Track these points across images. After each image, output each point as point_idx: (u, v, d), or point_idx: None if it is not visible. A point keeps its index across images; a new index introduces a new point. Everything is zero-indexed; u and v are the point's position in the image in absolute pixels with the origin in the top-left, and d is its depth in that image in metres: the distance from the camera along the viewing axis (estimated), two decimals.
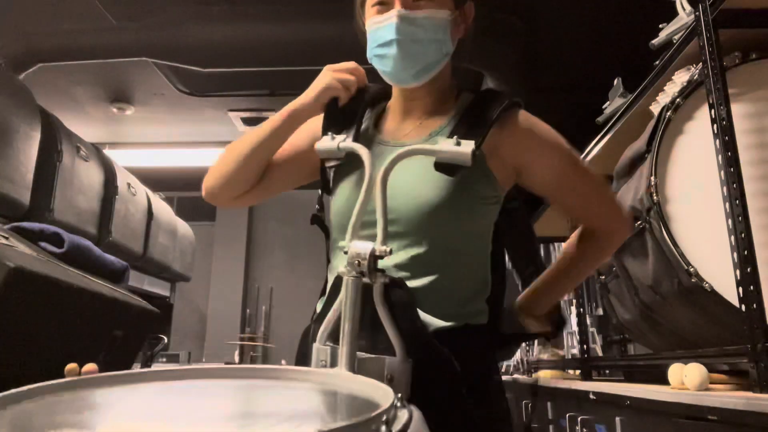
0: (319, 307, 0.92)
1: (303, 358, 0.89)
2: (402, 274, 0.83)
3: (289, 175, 1.03)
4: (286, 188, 1.05)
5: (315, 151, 0.89)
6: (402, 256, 0.84)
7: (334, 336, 0.75)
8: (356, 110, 0.93)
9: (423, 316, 0.80)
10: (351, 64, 0.94)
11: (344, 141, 0.85)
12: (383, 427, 0.38)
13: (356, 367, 0.70)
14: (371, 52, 0.90)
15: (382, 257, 0.72)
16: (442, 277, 0.85)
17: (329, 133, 0.88)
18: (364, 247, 0.72)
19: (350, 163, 0.87)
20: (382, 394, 0.49)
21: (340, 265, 0.80)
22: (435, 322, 0.82)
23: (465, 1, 0.94)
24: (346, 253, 0.72)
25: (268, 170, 1.00)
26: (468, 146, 0.80)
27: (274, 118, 0.95)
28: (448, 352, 0.77)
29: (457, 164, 0.81)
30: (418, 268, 0.84)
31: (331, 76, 0.92)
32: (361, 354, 0.72)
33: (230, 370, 0.69)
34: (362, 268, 0.71)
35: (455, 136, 0.81)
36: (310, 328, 0.88)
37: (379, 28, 0.87)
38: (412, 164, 0.82)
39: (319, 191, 0.99)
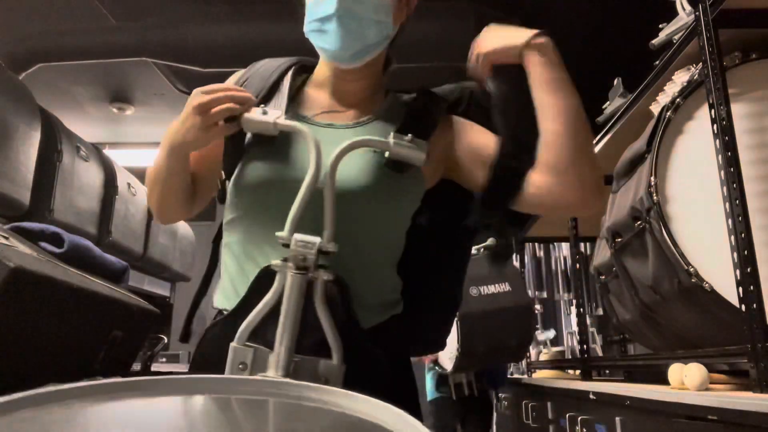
0: (224, 303, 0.84)
1: (206, 359, 0.79)
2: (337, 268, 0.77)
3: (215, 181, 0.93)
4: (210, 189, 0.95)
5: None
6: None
7: (254, 336, 0.70)
8: (277, 77, 0.88)
9: (361, 313, 0.78)
10: (220, 87, 0.79)
11: (280, 118, 0.78)
12: None
13: (290, 369, 0.66)
14: (309, 26, 0.84)
15: (328, 253, 0.69)
16: (373, 269, 0.83)
17: (261, 106, 0.79)
18: (311, 241, 0.67)
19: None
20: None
21: (267, 255, 0.77)
22: (370, 318, 0.80)
23: None
24: (286, 245, 0.68)
25: (195, 185, 0.93)
26: (423, 147, 0.80)
27: (160, 156, 0.86)
28: (380, 353, 0.77)
29: (408, 163, 0.80)
30: (350, 265, 0.78)
31: (195, 120, 0.78)
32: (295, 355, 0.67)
33: (234, 383, 0.58)
34: (307, 263, 0.67)
35: (410, 135, 0.79)
36: (215, 326, 0.81)
37: (320, 2, 0.81)
38: (352, 154, 0.77)
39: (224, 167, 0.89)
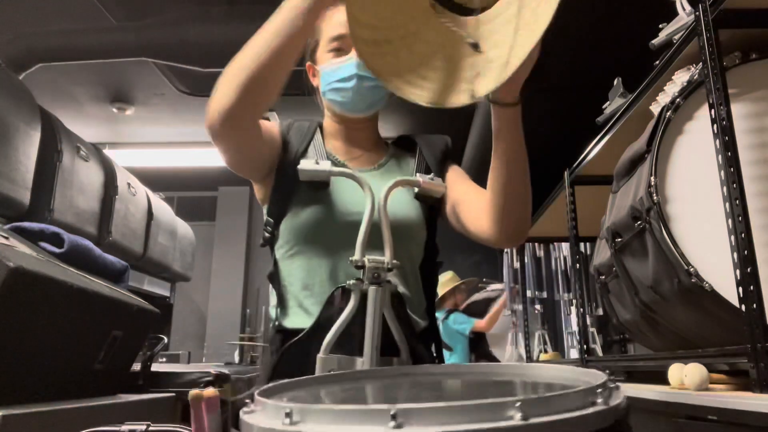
0: (297, 323, 0.94)
1: (287, 372, 0.86)
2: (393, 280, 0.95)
3: (261, 148, 0.98)
4: (252, 156, 0.99)
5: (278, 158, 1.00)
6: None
7: (336, 347, 0.83)
8: (311, 135, 1.06)
9: (414, 317, 0.96)
10: None
11: (331, 167, 0.94)
12: (600, 399, 0.44)
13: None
14: (329, 86, 1.02)
15: (392, 269, 0.85)
16: (414, 284, 1.01)
17: (314, 159, 0.97)
18: (381, 260, 0.84)
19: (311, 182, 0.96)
20: (593, 375, 0.56)
21: (331, 279, 0.94)
22: (418, 323, 0.97)
23: None
24: (359, 266, 0.83)
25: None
26: (442, 185, 1.03)
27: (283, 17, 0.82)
28: (431, 353, 0.99)
29: (430, 195, 1.02)
30: (401, 276, 0.98)
31: None
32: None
33: (431, 368, 0.75)
34: (381, 279, 0.82)
35: (431, 174, 1.03)
36: (295, 343, 0.91)
37: (341, 67, 1.00)
38: (396, 193, 0.97)
39: (268, 210, 1.03)
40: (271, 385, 0.60)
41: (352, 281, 0.83)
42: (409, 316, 0.93)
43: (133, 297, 1.65)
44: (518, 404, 0.39)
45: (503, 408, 0.39)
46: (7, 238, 1.29)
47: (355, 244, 0.85)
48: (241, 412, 0.50)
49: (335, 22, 1.00)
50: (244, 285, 6.07)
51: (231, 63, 0.83)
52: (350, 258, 0.84)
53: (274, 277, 1.01)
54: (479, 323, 4.28)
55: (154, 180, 3.59)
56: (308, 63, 1.09)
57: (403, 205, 1.01)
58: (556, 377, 0.64)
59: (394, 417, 0.39)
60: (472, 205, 0.99)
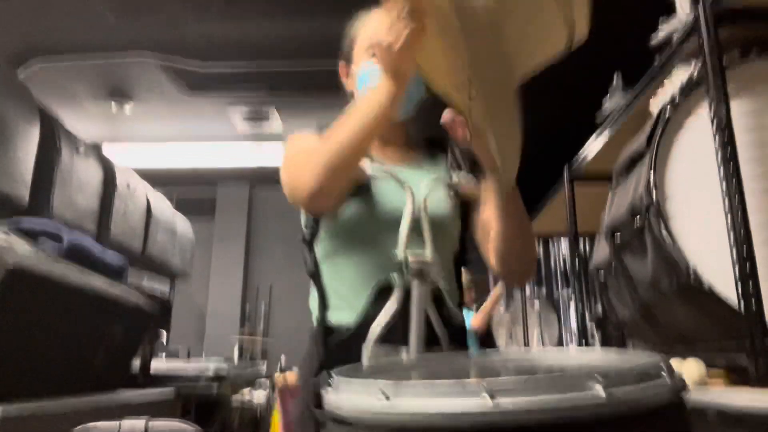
0: (342, 318, 0.97)
1: (336, 365, 0.91)
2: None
3: None
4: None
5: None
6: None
7: (383, 340, 0.86)
8: None
9: (454, 309, 0.99)
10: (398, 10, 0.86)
11: (370, 166, 0.99)
12: (665, 375, 0.47)
13: None
14: (367, 89, 1.02)
15: (434, 265, 0.88)
16: (450, 278, 1.03)
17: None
18: (423, 256, 0.87)
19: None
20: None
21: (374, 274, 0.95)
22: (457, 316, 1.00)
23: None
24: (402, 262, 0.86)
25: None
26: (478, 186, 1.04)
27: (367, 112, 0.92)
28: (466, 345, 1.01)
29: (467, 195, 1.04)
30: (440, 273, 0.99)
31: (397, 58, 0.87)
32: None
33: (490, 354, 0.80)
34: (423, 274, 0.85)
35: (464, 172, 1.06)
36: (343, 337, 0.95)
37: (374, 72, 0.99)
38: (434, 191, 1.00)
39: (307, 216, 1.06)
40: (343, 368, 0.63)
41: (395, 276, 0.88)
42: (448, 310, 0.97)
43: (132, 294, 1.65)
44: (599, 378, 0.42)
45: (586, 380, 0.42)
46: (6, 235, 1.29)
47: (397, 241, 0.88)
48: (322, 392, 0.53)
49: (371, 28, 1.04)
50: (243, 282, 6.07)
51: (318, 151, 0.93)
52: (392, 254, 0.87)
53: (315, 275, 1.04)
54: (473, 320, 4.29)
55: (153, 177, 3.58)
56: (342, 63, 1.10)
57: (440, 202, 1.03)
58: (602, 360, 0.67)
59: (486, 390, 0.41)
60: (489, 236, 1.02)
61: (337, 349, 0.94)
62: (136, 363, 1.82)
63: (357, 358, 0.86)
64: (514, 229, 0.96)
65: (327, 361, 0.93)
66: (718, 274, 1.29)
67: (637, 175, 1.59)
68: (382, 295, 0.91)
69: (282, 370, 3.32)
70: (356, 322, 0.93)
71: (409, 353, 0.84)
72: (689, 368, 1.24)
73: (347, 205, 1.00)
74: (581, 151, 2.36)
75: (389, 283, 0.90)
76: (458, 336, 0.97)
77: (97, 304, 1.40)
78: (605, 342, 3.44)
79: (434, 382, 0.44)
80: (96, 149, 2.38)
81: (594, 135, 2.23)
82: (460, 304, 1.06)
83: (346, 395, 0.50)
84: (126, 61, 3.59)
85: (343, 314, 0.97)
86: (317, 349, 0.97)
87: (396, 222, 0.90)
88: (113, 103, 4.50)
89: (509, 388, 0.41)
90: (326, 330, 0.98)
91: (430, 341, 0.88)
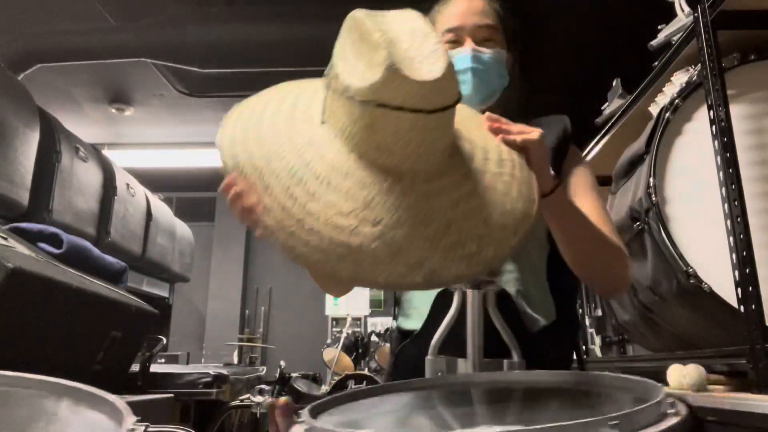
0: (410, 325, 0.97)
1: (402, 373, 0.91)
2: (506, 277, 0.92)
3: None
4: None
5: None
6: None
7: (443, 348, 0.82)
8: None
9: (531, 314, 0.92)
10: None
11: None
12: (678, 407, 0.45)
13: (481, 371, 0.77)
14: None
15: (493, 271, 0.83)
16: (534, 279, 0.95)
17: None
18: None
19: None
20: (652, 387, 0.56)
21: None
22: (536, 322, 0.92)
23: (514, 45, 1.08)
24: None
25: None
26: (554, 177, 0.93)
27: None
28: (549, 352, 0.88)
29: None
30: (519, 272, 0.93)
31: None
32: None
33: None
34: (478, 281, 0.80)
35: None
36: (408, 345, 0.95)
37: (456, 59, 0.96)
38: None
39: None
40: (323, 400, 0.63)
41: (455, 285, 0.82)
42: (524, 315, 0.91)
43: (131, 298, 1.64)
44: (613, 422, 0.39)
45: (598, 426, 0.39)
46: (6, 238, 1.29)
47: None
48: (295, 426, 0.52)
49: (449, 13, 1.01)
50: (243, 286, 6.07)
51: None
52: None
53: None
54: None
55: (153, 180, 3.58)
56: None
57: None
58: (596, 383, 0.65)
59: None
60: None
61: (407, 357, 0.95)
62: (136, 367, 1.82)
63: (423, 364, 0.83)
64: (575, 241, 0.86)
65: (399, 368, 0.96)
66: (718, 278, 1.29)
67: (637, 179, 1.59)
68: (445, 301, 0.86)
69: (280, 381, 3.29)
70: (421, 330, 0.92)
71: (467, 365, 0.80)
72: (690, 373, 1.24)
73: None
74: (581, 154, 2.36)
75: (449, 290, 0.85)
76: (535, 344, 0.86)
77: (96, 308, 1.39)
78: (605, 345, 3.43)
79: None
80: (96, 152, 2.39)
81: (594, 139, 2.23)
82: (565, 308, 0.96)
83: None
84: (126, 64, 3.59)
85: (413, 321, 0.97)
86: (391, 355, 0.99)
87: None
88: (113, 106, 4.50)
89: None
90: (401, 336, 0.99)
91: (499, 351, 0.81)
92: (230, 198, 0.62)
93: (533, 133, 0.74)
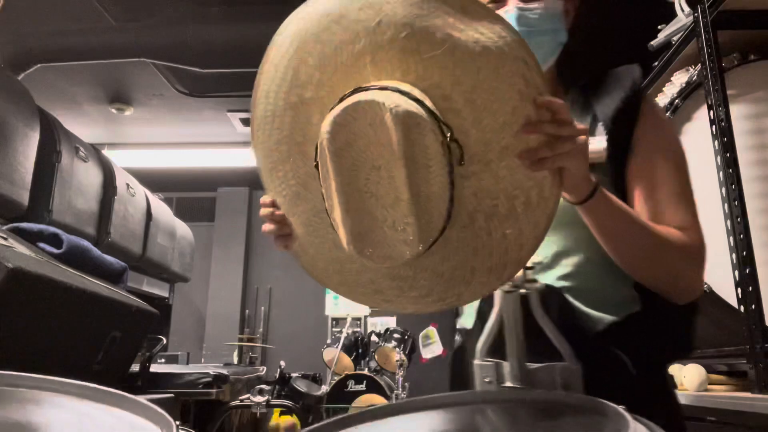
0: (466, 323, 0.94)
1: (459, 377, 0.90)
2: (552, 273, 0.83)
3: None
4: None
5: None
6: (545, 253, 0.84)
7: (492, 351, 0.77)
8: None
9: (589, 313, 0.80)
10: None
11: None
12: None
13: (527, 378, 0.72)
14: None
15: (532, 267, 0.74)
16: (594, 273, 0.83)
17: None
18: None
19: None
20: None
21: None
22: (601, 318, 0.80)
23: None
24: None
25: None
26: (601, 150, 0.81)
27: None
28: (616, 352, 0.77)
29: (596, 163, 0.79)
30: (573, 266, 0.83)
31: None
32: (529, 364, 0.73)
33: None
34: (516, 281, 0.73)
35: (599, 137, 0.82)
36: (462, 347, 0.92)
37: None
38: None
39: None
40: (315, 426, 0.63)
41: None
42: (579, 314, 0.79)
43: (131, 298, 1.64)
44: None
45: None
46: (5, 238, 1.29)
47: None
48: None
49: None
50: (243, 286, 6.06)
51: None
52: None
53: None
54: None
55: (154, 180, 3.58)
56: None
57: None
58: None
59: None
60: None
61: (461, 356, 0.92)
62: (136, 367, 1.82)
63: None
64: (617, 243, 0.77)
65: (455, 368, 0.93)
66: (718, 278, 1.29)
67: None
68: (491, 300, 0.78)
69: (280, 381, 3.28)
70: (472, 328, 0.90)
71: (509, 371, 0.73)
72: (690, 373, 1.24)
73: None
74: None
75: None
76: (593, 345, 0.76)
77: (96, 308, 1.39)
78: None
79: None
80: (96, 152, 2.39)
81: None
82: (643, 301, 0.82)
83: None
84: (126, 64, 3.59)
85: (469, 320, 0.94)
86: (449, 351, 0.98)
87: None
88: (113, 106, 4.50)
89: None
90: (458, 334, 0.97)
91: (549, 354, 0.72)
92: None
93: (572, 150, 0.62)
